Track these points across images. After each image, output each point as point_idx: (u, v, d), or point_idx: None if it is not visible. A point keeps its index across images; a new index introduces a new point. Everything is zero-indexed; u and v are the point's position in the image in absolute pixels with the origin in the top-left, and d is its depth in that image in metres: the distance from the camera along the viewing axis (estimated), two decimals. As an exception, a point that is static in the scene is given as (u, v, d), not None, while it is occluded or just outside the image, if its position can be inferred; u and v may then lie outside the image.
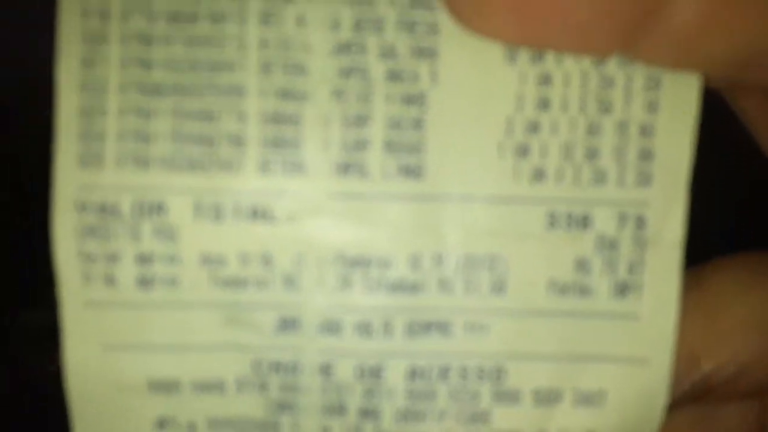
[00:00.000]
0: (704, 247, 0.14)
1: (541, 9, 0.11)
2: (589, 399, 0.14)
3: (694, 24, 0.11)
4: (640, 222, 0.14)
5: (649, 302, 0.14)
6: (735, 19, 0.11)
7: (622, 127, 0.13)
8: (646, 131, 0.13)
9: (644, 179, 0.13)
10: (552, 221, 0.13)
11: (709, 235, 0.15)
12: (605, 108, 0.13)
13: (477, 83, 0.13)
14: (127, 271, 0.13)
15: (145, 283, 0.13)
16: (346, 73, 0.13)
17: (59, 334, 0.13)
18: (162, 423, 0.14)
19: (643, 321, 0.14)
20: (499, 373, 0.14)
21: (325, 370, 0.14)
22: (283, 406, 0.14)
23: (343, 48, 0.13)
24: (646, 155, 0.13)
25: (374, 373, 0.14)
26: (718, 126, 0.14)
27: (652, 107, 0.13)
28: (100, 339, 0.13)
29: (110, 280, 0.13)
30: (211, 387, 0.14)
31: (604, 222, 0.14)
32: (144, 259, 0.13)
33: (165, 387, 0.14)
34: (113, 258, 0.13)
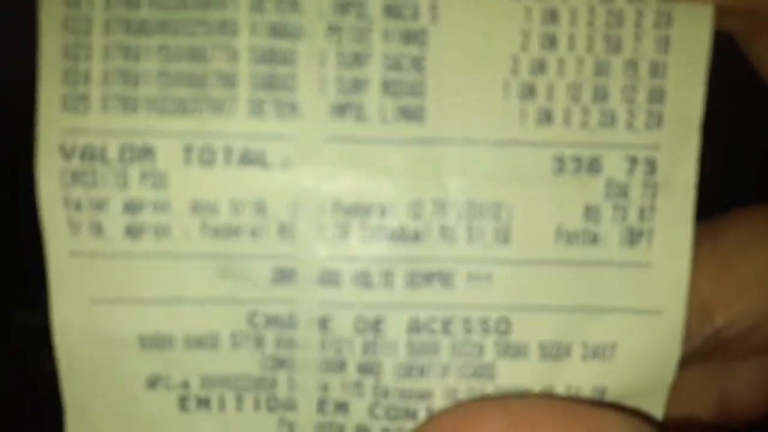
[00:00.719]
0: (719, 197, 0.14)
1: None
2: (598, 353, 0.13)
3: None
4: (651, 166, 0.13)
5: (660, 250, 0.13)
6: None
7: (632, 66, 0.13)
8: (657, 71, 0.13)
9: (655, 121, 0.13)
10: (559, 166, 0.13)
11: (724, 184, 0.14)
12: (614, 46, 0.13)
13: (480, 20, 0.13)
14: (114, 220, 0.13)
15: (133, 232, 0.13)
16: (343, 8, 0.12)
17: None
18: (154, 380, 0.13)
19: (655, 270, 0.13)
20: (504, 326, 0.13)
21: (323, 323, 0.13)
22: (280, 362, 0.13)
23: None
24: (657, 96, 0.13)
25: (374, 326, 0.13)
26: (733, 73, 0.14)
27: (663, 45, 0.13)
28: (88, 292, 0.13)
29: (97, 229, 0.13)
30: (204, 342, 0.13)
31: (613, 166, 0.13)
32: (132, 207, 0.13)
33: (157, 343, 0.13)
34: (100, 205, 0.13)
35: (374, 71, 0.13)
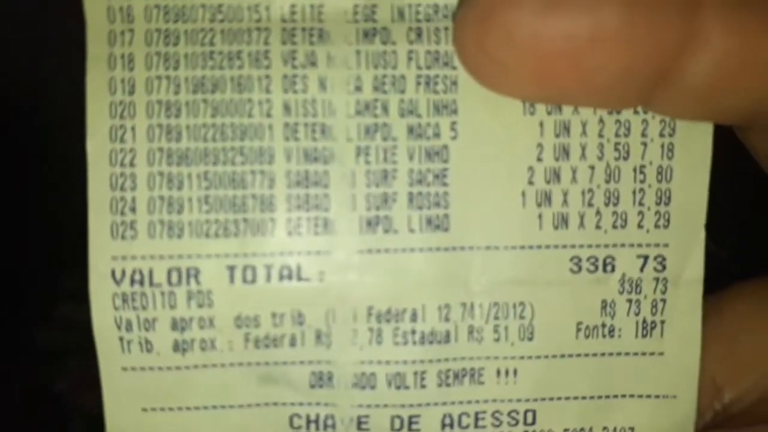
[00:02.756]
0: (720, 274, 0.15)
1: (561, 74, 0.12)
2: None
3: (707, 82, 0.12)
4: (661, 263, 0.14)
5: (672, 339, 0.14)
6: (747, 76, 0.12)
7: (640, 171, 0.14)
8: (663, 175, 0.14)
9: (663, 222, 0.14)
10: (577, 266, 0.14)
11: (724, 263, 0.15)
12: (623, 154, 0.14)
13: (497, 135, 0.13)
14: (163, 337, 0.13)
15: (181, 347, 0.13)
16: (369, 131, 0.13)
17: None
18: None
19: (668, 358, 0.14)
20: (530, 417, 0.14)
21: (360, 423, 0.14)
22: None
23: (366, 107, 0.13)
24: (664, 198, 0.14)
25: (409, 423, 0.14)
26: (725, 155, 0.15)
27: (667, 152, 0.14)
28: (139, 402, 0.14)
29: (148, 346, 0.13)
30: None
31: (626, 264, 0.14)
32: (180, 325, 0.13)
33: None
34: (149, 324, 0.13)
35: (401, 186, 0.13)
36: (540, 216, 0.14)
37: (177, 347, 0.13)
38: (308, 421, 0.14)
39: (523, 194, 0.14)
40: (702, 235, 0.14)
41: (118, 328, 0.13)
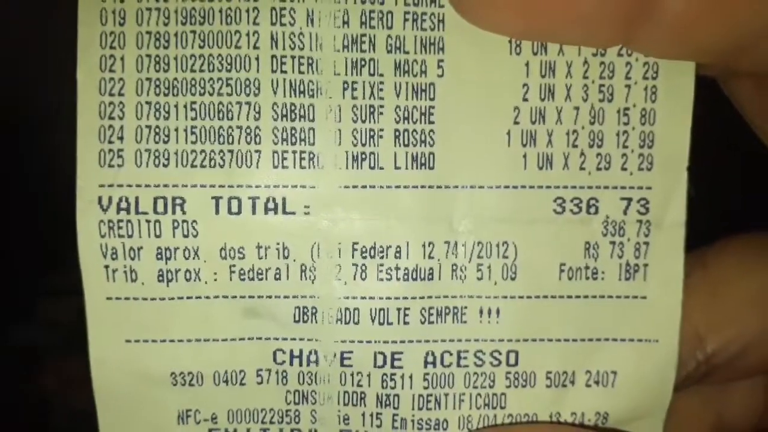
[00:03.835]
0: (706, 229, 0.15)
1: (545, 3, 0.12)
2: (600, 380, 0.14)
3: (686, 15, 0.12)
4: (644, 205, 0.14)
5: (655, 283, 0.14)
6: (724, 9, 0.12)
7: (624, 114, 0.14)
8: (647, 118, 0.14)
9: (646, 164, 0.14)
10: (560, 207, 0.14)
11: (710, 218, 0.15)
12: (607, 96, 0.14)
13: (484, 74, 0.14)
14: (148, 266, 0.13)
15: (166, 277, 0.14)
16: (356, 66, 0.13)
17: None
18: (185, 416, 0.14)
19: (651, 302, 0.14)
20: (513, 357, 0.14)
21: (343, 358, 0.14)
22: (303, 396, 0.14)
23: (353, 42, 0.13)
24: (647, 141, 0.14)
25: (392, 360, 0.14)
26: (713, 110, 0.15)
27: (651, 95, 0.14)
28: (123, 333, 0.14)
29: (132, 275, 0.13)
30: (231, 379, 0.14)
31: (610, 206, 0.14)
32: (165, 254, 0.13)
33: (187, 380, 0.14)
34: (135, 253, 0.13)
35: (387, 123, 0.14)
36: (525, 156, 0.14)
37: (162, 277, 0.13)
38: (292, 356, 0.14)
39: (509, 134, 0.14)
40: (684, 177, 0.14)
41: (104, 256, 0.13)
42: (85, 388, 0.14)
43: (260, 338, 0.14)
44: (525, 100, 0.14)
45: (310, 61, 0.13)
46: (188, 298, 0.14)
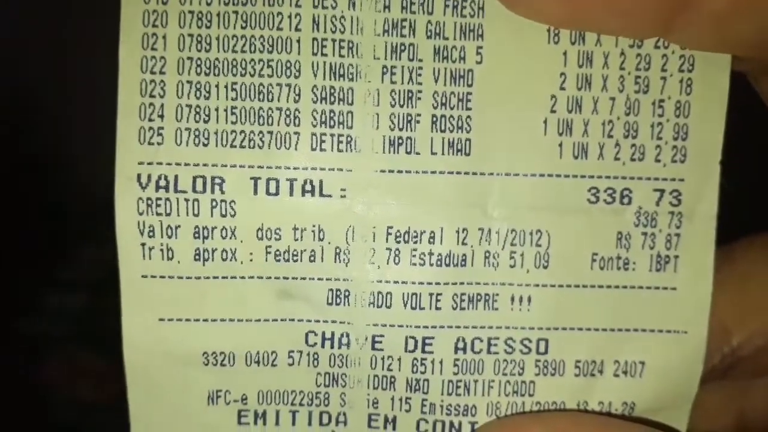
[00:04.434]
0: (736, 224, 0.15)
1: None
2: (628, 370, 0.14)
3: (725, 5, 0.12)
4: (677, 197, 0.14)
5: (686, 275, 0.14)
6: (762, 2, 0.12)
7: (659, 105, 0.14)
8: (681, 110, 0.14)
9: (680, 156, 0.14)
10: (594, 196, 0.14)
11: (741, 213, 0.15)
12: (643, 87, 0.14)
13: (522, 62, 0.14)
14: (185, 245, 0.14)
15: (202, 256, 0.14)
16: (396, 50, 0.13)
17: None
18: (215, 396, 0.14)
19: (681, 293, 0.14)
20: (543, 345, 0.14)
21: (375, 342, 0.14)
22: (333, 379, 0.14)
23: (393, 26, 0.13)
24: (681, 133, 0.14)
25: (422, 345, 0.14)
26: (748, 107, 0.15)
27: (686, 87, 0.14)
28: (157, 311, 0.14)
29: (169, 254, 0.14)
30: (263, 360, 0.14)
31: (643, 197, 0.14)
32: (202, 233, 0.14)
33: (218, 360, 0.14)
34: (172, 231, 0.13)
35: (424, 108, 0.14)
36: (560, 144, 0.14)
37: (198, 256, 0.14)
38: (324, 339, 0.14)
39: (545, 122, 0.14)
40: (717, 171, 0.14)
41: (141, 233, 0.13)
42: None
43: (293, 320, 0.14)
44: (562, 89, 0.14)
45: (351, 45, 0.13)
46: (223, 278, 0.14)
